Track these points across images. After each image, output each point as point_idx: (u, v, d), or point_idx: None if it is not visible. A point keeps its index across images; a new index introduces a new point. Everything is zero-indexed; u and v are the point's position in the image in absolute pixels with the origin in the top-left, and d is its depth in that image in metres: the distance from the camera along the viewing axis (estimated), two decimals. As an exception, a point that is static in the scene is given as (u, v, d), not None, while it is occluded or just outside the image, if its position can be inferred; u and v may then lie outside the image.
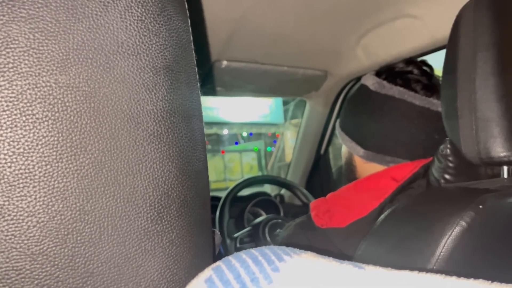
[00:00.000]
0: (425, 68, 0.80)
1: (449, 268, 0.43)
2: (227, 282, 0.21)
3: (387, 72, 0.80)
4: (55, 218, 0.22)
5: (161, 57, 0.26)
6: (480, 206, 0.45)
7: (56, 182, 0.22)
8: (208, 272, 0.22)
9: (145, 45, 0.25)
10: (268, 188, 1.80)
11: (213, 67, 1.18)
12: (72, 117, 0.22)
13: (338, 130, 0.87)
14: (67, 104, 0.22)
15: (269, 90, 1.49)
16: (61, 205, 0.22)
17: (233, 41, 1.07)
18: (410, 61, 0.81)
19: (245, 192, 1.47)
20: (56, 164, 0.22)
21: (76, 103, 0.23)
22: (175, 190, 0.26)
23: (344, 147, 0.87)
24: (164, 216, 0.26)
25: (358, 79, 1.38)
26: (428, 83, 0.77)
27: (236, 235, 1.24)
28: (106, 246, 0.23)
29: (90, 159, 0.23)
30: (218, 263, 0.23)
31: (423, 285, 0.20)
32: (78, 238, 0.23)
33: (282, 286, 0.21)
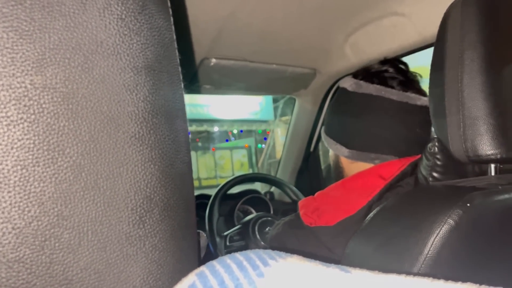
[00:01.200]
0: (400, 66, 0.82)
1: (437, 267, 0.43)
2: (210, 289, 0.20)
3: (364, 73, 0.82)
4: (32, 224, 0.21)
5: (143, 56, 0.25)
6: (468, 204, 0.45)
7: (33, 186, 0.21)
8: (191, 277, 0.22)
9: (125, 44, 0.24)
10: (258, 186, 1.80)
11: (201, 65, 1.17)
12: (49, 119, 0.22)
13: (323, 136, 0.89)
14: (43, 105, 0.21)
15: (258, 88, 1.49)
16: (38, 210, 0.21)
17: (222, 39, 1.06)
18: (385, 61, 0.84)
19: (235, 189, 1.46)
20: (33, 168, 0.21)
21: (53, 104, 0.22)
22: (158, 194, 0.26)
23: (331, 151, 0.88)
24: (147, 220, 0.25)
25: (347, 77, 1.38)
26: (403, 79, 0.79)
27: (226, 233, 1.23)
28: (85, 252, 0.23)
29: (69, 163, 0.22)
30: (202, 268, 0.22)
31: (410, 289, 0.20)
32: (56, 244, 0.22)
33: None
